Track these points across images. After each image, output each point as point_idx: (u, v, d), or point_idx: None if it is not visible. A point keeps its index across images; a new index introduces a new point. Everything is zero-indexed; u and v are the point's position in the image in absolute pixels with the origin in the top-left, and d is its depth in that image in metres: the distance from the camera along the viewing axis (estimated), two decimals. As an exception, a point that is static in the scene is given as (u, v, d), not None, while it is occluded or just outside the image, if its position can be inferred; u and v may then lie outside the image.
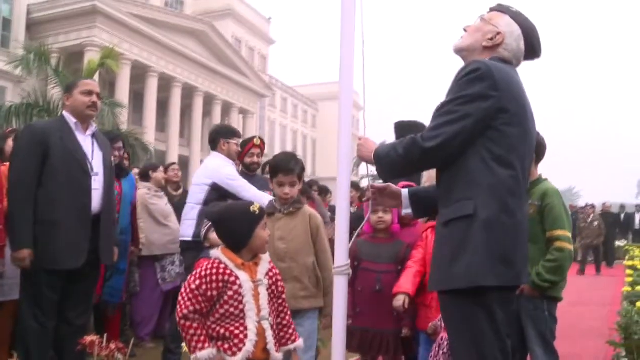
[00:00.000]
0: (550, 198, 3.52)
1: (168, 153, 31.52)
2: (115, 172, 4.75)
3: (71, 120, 3.80)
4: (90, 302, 4.02)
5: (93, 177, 3.74)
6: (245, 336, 2.38)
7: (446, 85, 2.34)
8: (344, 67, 2.53)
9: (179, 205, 5.87)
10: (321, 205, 6.82)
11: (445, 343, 2.92)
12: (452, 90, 2.29)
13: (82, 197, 3.68)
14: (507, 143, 2.21)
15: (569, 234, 3.48)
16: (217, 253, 2.50)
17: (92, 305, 4.27)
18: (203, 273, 2.42)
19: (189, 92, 34.02)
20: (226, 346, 2.38)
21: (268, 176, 3.62)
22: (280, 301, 2.61)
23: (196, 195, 4.56)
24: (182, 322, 2.36)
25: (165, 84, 31.99)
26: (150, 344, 5.73)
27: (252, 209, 2.55)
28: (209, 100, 35.75)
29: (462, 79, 2.25)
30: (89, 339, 2.96)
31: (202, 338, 2.35)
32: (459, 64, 2.44)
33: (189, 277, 2.45)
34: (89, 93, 3.82)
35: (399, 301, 3.43)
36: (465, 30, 2.48)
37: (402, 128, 5.34)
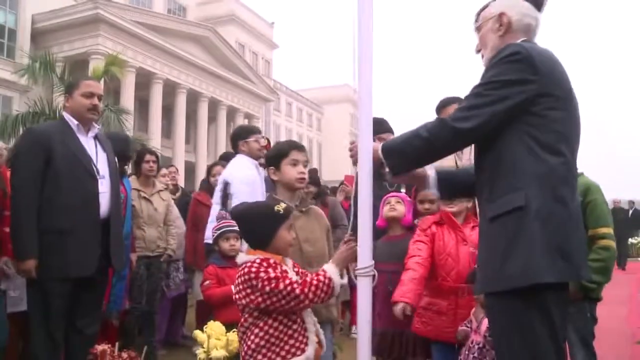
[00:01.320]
0: (593, 194, 3.37)
1: (174, 159, 31.47)
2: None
3: (72, 122, 3.64)
4: (100, 310, 3.89)
5: (100, 180, 3.60)
6: (306, 338, 2.33)
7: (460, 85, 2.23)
8: (362, 64, 2.36)
9: (177, 207, 5.96)
10: (338, 206, 6.66)
11: (476, 347, 2.80)
12: (487, 72, 2.15)
13: (90, 202, 3.54)
14: (553, 129, 2.06)
15: (612, 232, 3.34)
16: (251, 256, 2.36)
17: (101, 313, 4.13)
18: (266, 266, 2.28)
19: (193, 98, 33.99)
20: (286, 348, 2.29)
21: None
22: None
23: (216, 196, 4.54)
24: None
25: (170, 90, 31.97)
26: (162, 351, 5.64)
27: (276, 208, 2.44)
28: (213, 105, 35.71)
29: (499, 62, 2.11)
30: (100, 348, 2.86)
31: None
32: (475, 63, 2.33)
33: (260, 276, 2.25)
34: (90, 95, 3.66)
35: (398, 310, 3.05)
36: (478, 49, 2.38)
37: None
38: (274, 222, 2.41)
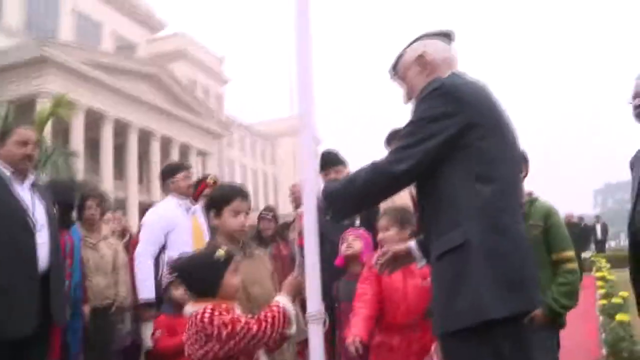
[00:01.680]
0: (553, 217, 3.33)
1: (127, 200, 30.91)
2: (60, 222, 4.44)
3: (5, 171, 3.46)
4: None
5: (38, 232, 3.42)
6: None
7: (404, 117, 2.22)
8: (302, 97, 2.32)
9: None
10: (294, 245, 6.54)
11: None
12: (415, 111, 2.15)
13: (27, 257, 3.34)
14: (485, 158, 2.04)
15: (574, 253, 3.33)
16: (201, 304, 2.25)
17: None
18: (218, 313, 2.20)
19: (145, 137, 33.60)
20: None
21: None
22: None
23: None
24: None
25: (121, 129, 31.53)
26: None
27: (216, 255, 2.36)
28: (166, 143, 35.34)
29: (423, 99, 2.12)
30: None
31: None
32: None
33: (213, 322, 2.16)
34: (24, 144, 3.50)
35: (350, 345, 2.87)
36: (407, 99, 2.37)
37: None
38: (217, 270, 2.34)
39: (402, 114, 2.39)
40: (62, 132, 27.57)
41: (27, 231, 3.38)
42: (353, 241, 3.64)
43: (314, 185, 2.27)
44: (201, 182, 4.93)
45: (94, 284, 5.04)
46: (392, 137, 4.08)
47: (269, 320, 2.23)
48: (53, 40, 29.35)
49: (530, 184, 3.44)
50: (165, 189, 4.68)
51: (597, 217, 21.03)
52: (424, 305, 2.97)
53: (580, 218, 21.66)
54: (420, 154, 2.03)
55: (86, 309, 4.79)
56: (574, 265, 3.26)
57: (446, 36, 2.35)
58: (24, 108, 23.41)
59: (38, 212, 3.50)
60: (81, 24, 36.86)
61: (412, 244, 2.39)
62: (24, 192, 3.50)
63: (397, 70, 2.40)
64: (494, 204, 2.00)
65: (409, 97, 2.36)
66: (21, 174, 3.53)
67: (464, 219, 1.99)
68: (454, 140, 2.03)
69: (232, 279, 2.36)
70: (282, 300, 2.32)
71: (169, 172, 4.73)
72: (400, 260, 2.41)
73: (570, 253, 3.27)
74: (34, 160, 3.62)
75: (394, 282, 3.14)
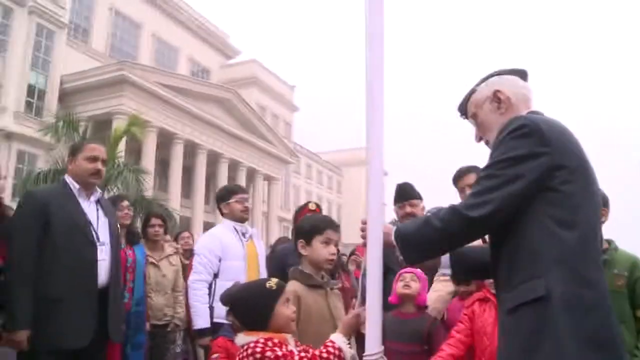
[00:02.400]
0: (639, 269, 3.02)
1: (193, 219, 31.49)
2: (128, 239, 4.48)
3: (74, 186, 3.51)
4: None
5: (99, 247, 3.44)
6: None
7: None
8: (371, 128, 2.18)
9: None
10: (353, 276, 6.39)
11: None
12: (495, 152, 1.98)
13: (87, 270, 3.36)
14: (569, 204, 1.86)
15: None
16: (253, 336, 2.17)
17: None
18: (271, 346, 2.12)
19: (214, 159, 34.30)
20: None
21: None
22: None
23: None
24: None
25: (191, 150, 32.33)
26: None
27: (268, 284, 2.32)
28: (234, 166, 35.97)
29: (505, 138, 1.95)
30: None
31: None
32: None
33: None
34: (94, 159, 3.55)
35: None
36: (479, 138, 2.24)
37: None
38: (269, 300, 2.27)
39: (473, 153, 2.23)
40: (136, 151, 28.51)
41: (90, 245, 3.40)
42: (411, 281, 3.54)
43: (380, 218, 2.14)
44: (303, 208, 4.79)
45: (154, 302, 5.08)
46: (460, 176, 3.92)
47: (324, 357, 2.15)
48: (132, 62, 30.56)
49: (611, 231, 3.17)
50: (222, 214, 4.60)
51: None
52: None
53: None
54: (501, 199, 1.87)
55: (147, 325, 4.81)
56: None
57: (521, 74, 2.22)
58: (102, 126, 24.42)
59: (101, 228, 3.52)
60: (159, 48, 38.35)
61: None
62: (89, 207, 3.54)
63: (468, 109, 2.27)
64: (578, 253, 1.82)
65: (480, 137, 2.24)
66: (88, 190, 3.57)
67: (545, 269, 1.80)
68: (538, 184, 1.87)
69: (284, 310, 2.27)
70: (338, 339, 2.21)
71: (223, 195, 4.62)
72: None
73: None
74: (102, 176, 3.66)
75: (485, 324, 3.13)
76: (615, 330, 1.80)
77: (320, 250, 2.79)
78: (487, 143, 2.18)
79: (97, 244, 3.44)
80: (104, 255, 3.46)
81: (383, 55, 2.23)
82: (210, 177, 34.75)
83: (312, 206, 4.79)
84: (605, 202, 3.06)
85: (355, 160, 53.87)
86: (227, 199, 4.52)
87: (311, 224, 2.93)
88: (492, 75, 2.23)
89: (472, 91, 2.24)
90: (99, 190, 3.69)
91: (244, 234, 4.47)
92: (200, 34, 42.03)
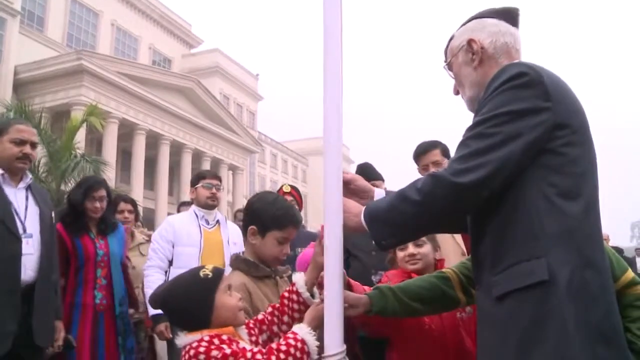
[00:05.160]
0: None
1: (157, 211, 30.98)
2: (101, 228, 4.03)
3: None
4: None
5: (25, 240, 3.10)
6: None
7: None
8: (328, 115, 1.88)
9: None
10: None
11: None
12: (486, 105, 1.64)
13: (8, 266, 3.00)
14: (572, 170, 1.58)
15: None
16: (196, 335, 1.83)
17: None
18: (217, 343, 1.79)
19: (177, 150, 33.75)
20: None
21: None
22: None
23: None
24: None
25: (153, 141, 31.73)
26: None
27: (202, 273, 1.93)
28: (197, 157, 35.46)
29: (501, 88, 1.62)
30: None
31: None
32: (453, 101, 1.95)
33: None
34: (21, 142, 3.22)
35: None
36: (456, 91, 1.95)
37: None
38: (206, 291, 1.89)
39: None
40: (97, 143, 27.88)
41: (12, 237, 3.06)
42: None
43: (338, 206, 1.79)
44: (278, 192, 4.45)
45: None
46: (423, 152, 3.66)
47: (282, 353, 1.81)
48: (91, 51, 29.78)
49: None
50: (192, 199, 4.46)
51: (638, 250, 19.94)
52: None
53: (619, 249, 20.62)
54: (497, 161, 1.55)
55: (133, 314, 4.36)
56: None
57: (507, 15, 1.88)
58: (60, 117, 23.70)
59: (30, 218, 3.20)
60: (119, 37, 37.44)
61: (381, 191, 1.98)
62: (16, 195, 3.22)
63: (447, 56, 1.96)
64: (585, 230, 1.56)
65: (455, 90, 1.95)
66: (15, 175, 3.26)
67: (546, 248, 1.52)
68: (540, 144, 1.57)
69: (226, 299, 1.90)
70: (302, 330, 1.88)
71: (193, 180, 4.52)
72: (353, 194, 1.97)
73: (631, 273, 2.37)
74: (31, 161, 3.34)
75: (437, 319, 2.52)
76: (619, 321, 1.57)
77: (273, 247, 2.40)
78: (463, 97, 1.92)
79: (22, 236, 3.10)
80: (30, 249, 3.13)
81: (340, 47, 1.89)
82: (174, 168, 34.23)
83: (286, 188, 4.53)
84: None
85: (321, 148, 53.32)
86: (195, 184, 4.40)
87: (274, 214, 2.42)
88: (473, 18, 1.92)
89: (451, 37, 1.96)
90: (30, 176, 3.38)
91: (207, 221, 4.31)
92: (162, 23, 41.16)
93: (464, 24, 1.94)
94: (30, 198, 3.29)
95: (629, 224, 77.09)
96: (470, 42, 1.84)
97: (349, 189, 1.97)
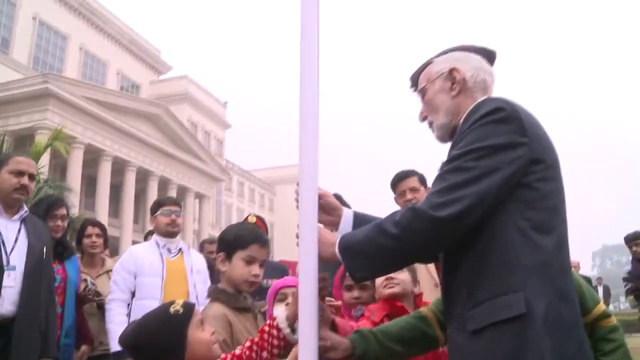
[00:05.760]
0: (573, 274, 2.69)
1: (121, 239, 30.47)
2: (58, 252, 3.92)
3: None
4: None
5: (7, 272, 3.07)
6: None
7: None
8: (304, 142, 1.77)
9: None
10: None
11: None
12: (466, 137, 1.66)
13: None
14: (546, 205, 1.61)
15: None
16: None
17: None
18: None
19: (143, 176, 33.39)
20: None
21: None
22: None
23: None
24: None
25: (119, 167, 31.35)
26: None
27: (172, 309, 1.88)
28: (164, 184, 35.09)
29: (479, 122, 1.64)
30: None
31: None
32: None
33: None
34: (19, 174, 3.24)
35: None
36: (424, 116, 1.95)
37: None
38: (177, 327, 1.84)
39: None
40: (61, 168, 27.39)
41: None
42: (360, 291, 2.86)
43: (313, 235, 1.73)
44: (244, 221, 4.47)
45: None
46: (400, 179, 3.72)
47: (257, 338, 1.87)
48: (57, 75, 29.45)
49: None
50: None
51: (599, 279, 20.18)
52: None
53: (588, 278, 20.77)
54: (474, 196, 1.55)
55: (86, 351, 4.18)
56: (613, 321, 2.48)
57: (488, 55, 1.93)
58: (24, 141, 23.29)
59: (17, 251, 3.17)
60: (87, 61, 37.14)
61: (349, 211, 1.93)
62: (8, 226, 3.21)
63: (419, 82, 1.97)
64: (557, 263, 1.59)
65: (424, 116, 1.95)
66: (11, 207, 3.26)
67: (523, 281, 1.53)
68: (516, 178, 1.59)
69: (199, 335, 1.86)
70: (279, 316, 1.88)
71: (152, 208, 4.39)
72: (322, 210, 1.90)
73: (603, 306, 2.50)
74: (29, 192, 3.35)
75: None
76: (592, 355, 1.61)
77: (240, 268, 2.34)
78: (430, 125, 1.92)
79: (5, 268, 3.06)
80: (11, 282, 3.09)
81: (317, 79, 1.82)
82: (140, 196, 33.78)
83: (251, 219, 4.44)
84: None
85: (288, 177, 53.72)
86: (154, 212, 4.31)
87: (235, 234, 2.44)
88: (456, 49, 1.94)
89: (429, 62, 1.96)
90: (25, 209, 3.36)
91: (169, 250, 4.22)
92: (131, 48, 41.01)
93: (445, 52, 1.96)
94: (23, 231, 3.28)
95: (590, 254, 78.47)
96: (452, 70, 1.86)
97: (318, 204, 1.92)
